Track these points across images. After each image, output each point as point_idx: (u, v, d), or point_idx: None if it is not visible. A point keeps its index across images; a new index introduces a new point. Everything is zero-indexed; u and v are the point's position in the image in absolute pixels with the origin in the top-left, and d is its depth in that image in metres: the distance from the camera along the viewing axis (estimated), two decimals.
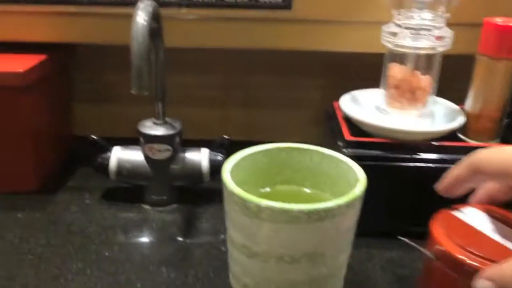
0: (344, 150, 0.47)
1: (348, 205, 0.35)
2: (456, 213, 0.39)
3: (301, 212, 0.33)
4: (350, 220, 0.36)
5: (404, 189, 0.48)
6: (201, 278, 0.45)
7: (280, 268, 0.36)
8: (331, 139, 0.51)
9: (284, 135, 0.69)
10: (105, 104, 0.69)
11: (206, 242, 0.50)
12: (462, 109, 0.51)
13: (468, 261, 0.34)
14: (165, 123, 0.54)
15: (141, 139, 0.54)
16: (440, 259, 0.37)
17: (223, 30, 0.59)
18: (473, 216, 0.39)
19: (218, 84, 0.67)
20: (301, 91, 0.67)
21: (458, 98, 0.53)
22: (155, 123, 0.54)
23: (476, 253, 0.34)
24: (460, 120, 0.49)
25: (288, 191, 0.43)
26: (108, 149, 0.55)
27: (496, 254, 0.34)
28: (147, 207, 0.56)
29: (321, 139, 0.60)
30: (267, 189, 0.43)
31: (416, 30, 0.47)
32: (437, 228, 0.38)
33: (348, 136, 0.48)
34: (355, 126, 0.50)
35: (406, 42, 0.47)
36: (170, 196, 0.56)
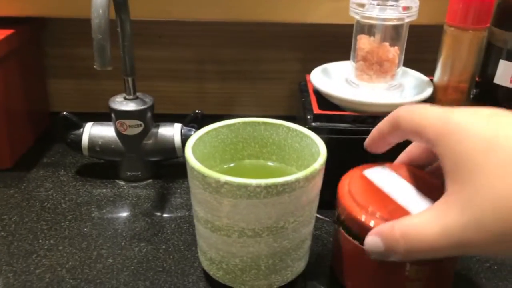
0: (312, 123, 0.48)
1: (307, 178, 0.35)
2: (366, 172, 0.39)
3: (259, 186, 0.34)
4: (310, 194, 0.37)
5: (372, 161, 0.48)
6: (172, 252, 0.46)
7: (242, 242, 0.36)
8: (302, 112, 0.51)
9: (261, 109, 0.70)
10: (82, 79, 0.68)
11: (179, 216, 0.51)
12: (432, 80, 0.51)
13: (363, 220, 0.35)
14: (136, 98, 0.54)
15: (113, 115, 0.54)
16: (342, 217, 0.37)
17: (192, 1, 0.58)
18: (383, 176, 0.39)
19: (191, 58, 0.66)
20: (277, 64, 0.67)
21: (432, 69, 0.52)
22: (126, 98, 0.54)
23: (374, 212, 0.35)
24: (428, 92, 0.49)
25: (253, 166, 0.44)
26: (80, 125, 0.55)
27: (393, 214, 0.34)
28: (121, 183, 0.56)
29: (295, 112, 0.60)
30: (232, 164, 0.44)
31: (383, 1, 0.46)
32: (343, 186, 0.38)
33: (316, 110, 0.48)
34: (325, 100, 0.50)
35: (373, 13, 0.47)
36: (144, 171, 0.56)
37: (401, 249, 0.31)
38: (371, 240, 0.33)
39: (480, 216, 0.28)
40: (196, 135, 0.40)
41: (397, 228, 0.31)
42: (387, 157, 0.40)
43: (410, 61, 0.55)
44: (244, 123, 0.43)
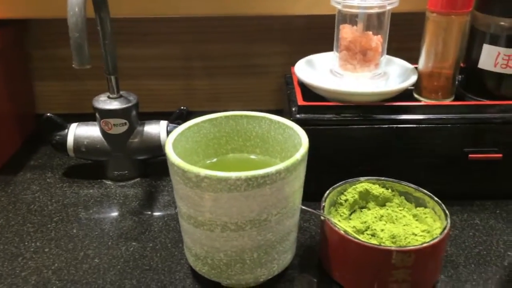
0: (297, 115, 0.47)
1: (288, 169, 0.35)
2: None
3: (239, 179, 0.33)
4: (293, 185, 0.36)
5: (357, 151, 0.48)
6: (159, 250, 0.45)
7: (226, 236, 0.36)
8: (287, 104, 0.51)
9: (250, 104, 0.70)
10: (67, 80, 0.68)
11: (167, 214, 0.50)
12: (416, 68, 0.51)
13: None
14: (120, 97, 0.54)
15: (97, 115, 0.53)
16: None
17: None
18: None
19: (178, 55, 0.66)
20: (265, 58, 0.66)
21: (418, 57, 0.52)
22: (109, 97, 0.53)
23: None
24: (412, 79, 0.48)
25: (237, 160, 0.43)
26: (64, 126, 0.55)
27: None
28: (109, 182, 0.56)
29: (283, 105, 0.60)
30: (215, 159, 0.43)
31: None
32: None
33: (301, 101, 0.48)
34: (310, 91, 0.50)
35: (354, 1, 0.46)
36: (131, 170, 0.56)
37: None
38: None
39: None
40: (177, 131, 0.40)
41: None
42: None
43: (396, 50, 0.55)
44: (226, 117, 0.43)
